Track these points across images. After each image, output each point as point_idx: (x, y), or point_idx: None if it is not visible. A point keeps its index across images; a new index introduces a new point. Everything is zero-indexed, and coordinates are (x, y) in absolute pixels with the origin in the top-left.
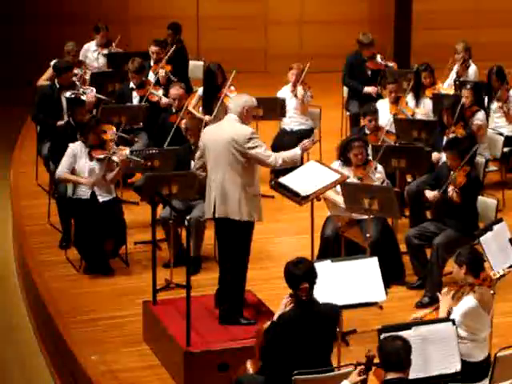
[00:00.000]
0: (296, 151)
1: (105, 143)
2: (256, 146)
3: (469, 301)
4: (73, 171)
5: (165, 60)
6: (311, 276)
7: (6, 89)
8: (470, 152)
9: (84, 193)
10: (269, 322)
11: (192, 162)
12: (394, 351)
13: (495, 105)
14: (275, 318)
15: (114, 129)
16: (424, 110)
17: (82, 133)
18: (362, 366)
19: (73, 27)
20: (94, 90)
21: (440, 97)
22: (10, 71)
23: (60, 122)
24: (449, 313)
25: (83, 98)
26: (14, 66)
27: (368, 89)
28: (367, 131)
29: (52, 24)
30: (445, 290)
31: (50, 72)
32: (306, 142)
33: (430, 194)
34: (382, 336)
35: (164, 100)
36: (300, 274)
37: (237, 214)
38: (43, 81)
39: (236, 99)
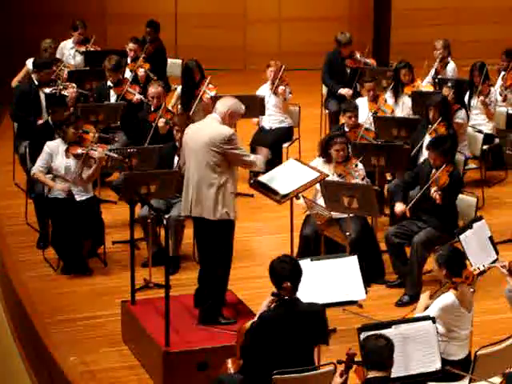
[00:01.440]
0: (259, 157)
1: (83, 140)
2: (236, 148)
3: (447, 296)
4: (50, 169)
5: (142, 58)
6: (295, 275)
7: None
8: (453, 151)
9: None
10: (250, 322)
11: (176, 159)
12: (377, 350)
13: (475, 101)
14: (256, 317)
15: (94, 130)
16: (404, 111)
17: (60, 129)
18: (343, 367)
19: (48, 25)
20: (75, 85)
21: (421, 94)
22: None
23: (41, 121)
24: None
25: (64, 92)
26: None
27: (342, 91)
28: (346, 128)
29: (27, 22)
30: (426, 292)
31: (24, 71)
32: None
33: (398, 207)
34: (364, 335)
35: (137, 96)
36: (283, 273)
37: (211, 213)
38: (17, 81)
39: (224, 100)
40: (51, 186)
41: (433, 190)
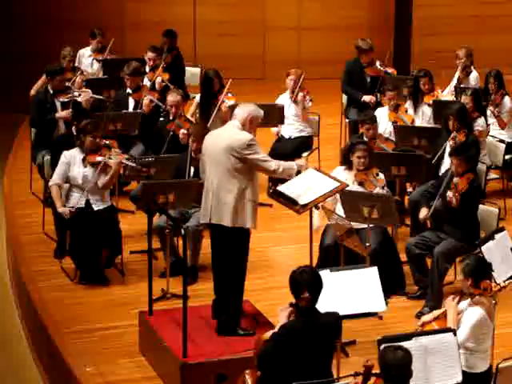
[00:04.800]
0: (292, 165)
1: (101, 148)
2: (255, 152)
3: (475, 312)
4: (67, 179)
5: (161, 68)
6: (314, 286)
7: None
8: (476, 159)
9: (79, 201)
10: (270, 332)
11: (192, 170)
12: (395, 362)
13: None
14: (277, 328)
15: (116, 145)
16: (423, 120)
17: (77, 137)
18: (360, 377)
19: (66, 33)
20: (90, 91)
21: (442, 103)
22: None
23: (61, 114)
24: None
25: (78, 99)
26: (8, 72)
27: (366, 98)
28: (365, 139)
29: (43, 29)
30: (449, 298)
31: (42, 79)
32: (302, 162)
33: (422, 213)
34: (383, 346)
35: (148, 97)
36: (303, 283)
37: (229, 220)
38: (35, 90)
39: (243, 106)
40: (56, 206)
41: (450, 193)
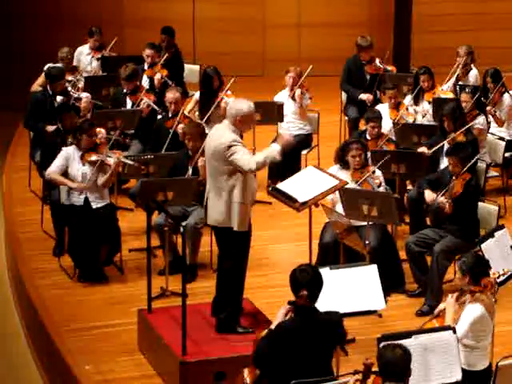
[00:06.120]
0: (273, 146)
1: (98, 146)
2: (234, 153)
3: (475, 309)
4: (66, 176)
5: (160, 65)
6: (313, 284)
7: None
8: (472, 159)
9: (78, 199)
10: (266, 331)
11: (190, 168)
12: (394, 360)
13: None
14: (273, 326)
15: (104, 131)
16: (423, 109)
17: (74, 136)
18: (359, 375)
19: (68, 31)
20: (89, 95)
21: (441, 101)
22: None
23: (50, 127)
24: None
25: (77, 104)
26: (8, 72)
27: (363, 96)
28: (368, 137)
29: (45, 26)
30: (449, 297)
31: (43, 77)
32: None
33: (429, 196)
34: (382, 344)
35: (145, 100)
36: (300, 281)
37: (219, 221)
38: (37, 86)
39: (231, 105)
40: (68, 185)
41: (443, 198)
